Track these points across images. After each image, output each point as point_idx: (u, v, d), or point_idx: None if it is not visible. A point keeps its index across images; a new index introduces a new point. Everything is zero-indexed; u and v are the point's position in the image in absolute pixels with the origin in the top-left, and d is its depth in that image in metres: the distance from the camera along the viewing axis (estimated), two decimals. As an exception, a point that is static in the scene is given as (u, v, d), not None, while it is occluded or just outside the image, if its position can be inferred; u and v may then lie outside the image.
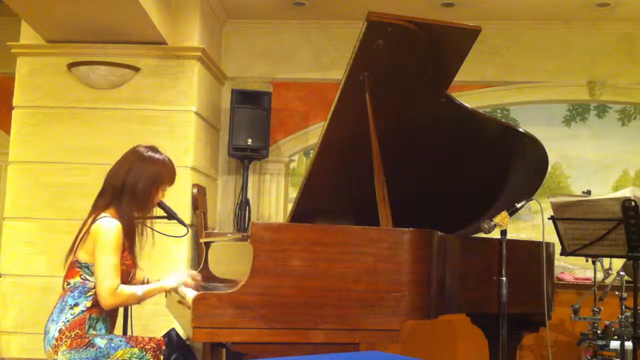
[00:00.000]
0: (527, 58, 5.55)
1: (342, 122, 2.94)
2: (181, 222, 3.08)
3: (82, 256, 2.67)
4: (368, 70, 2.81)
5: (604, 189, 5.20)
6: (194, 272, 3.11)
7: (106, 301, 2.60)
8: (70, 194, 4.80)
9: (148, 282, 2.99)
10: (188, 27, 4.98)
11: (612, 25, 5.46)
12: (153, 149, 2.84)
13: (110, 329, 2.73)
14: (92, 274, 2.65)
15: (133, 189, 2.72)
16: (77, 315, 2.60)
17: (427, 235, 2.57)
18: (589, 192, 4.59)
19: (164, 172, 2.82)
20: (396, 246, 2.50)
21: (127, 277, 2.74)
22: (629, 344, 3.72)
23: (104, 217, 2.66)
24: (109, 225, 2.63)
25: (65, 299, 2.64)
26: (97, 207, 2.74)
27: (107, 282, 2.59)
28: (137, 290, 2.69)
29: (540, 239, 3.14)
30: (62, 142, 4.91)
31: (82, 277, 2.66)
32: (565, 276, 5.02)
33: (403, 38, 2.72)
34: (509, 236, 2.90)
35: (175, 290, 2.90)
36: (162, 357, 2.62)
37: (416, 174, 3.27)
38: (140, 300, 2.70)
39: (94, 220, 2.67)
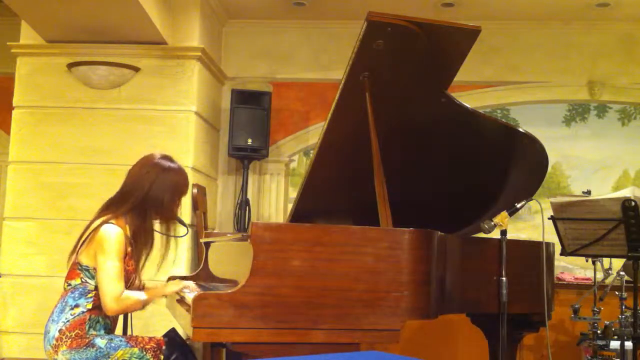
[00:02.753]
0: (527, 58, 5.55)
1: (342, 122, 2.94)
2: (181, 222, 3.08)
3: (84, 259, 2.68)
4: (368, 70, 2.81)
5: (604, 189, 5.19)
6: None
7: (111, 307, 2.62)
8: (70, 194, 4.80)
9: (144, 287, 3.00)
10: (188, 27, 4.98)
11: (612, 25, 5.46)
12: (169, 158, 2.88)
13: (110, 330, 2.73)
14: (92, 276, 2.66)
15: (159, 200, 2.77)
16: (78, 315, 2.60)
17: (427, 235, 2.57)
18: (589, 192, 4.59)
19: (183, 182, 2.87)
20: (396, 246, 2.50)
21: (126, 282, 2.74)
22: (629, 344, 3.72)
23: (110, 223, 2.67)
24: (112, 232, 2.64)
25: (65, 300, 2.65)
26: (109, 213, 2.74)
27: (111, 289, 2.60)
28: (141, 295, 2.71)
29: (540, 239, 3.14)
30: (62, 142, 4.91)
31: (82, 279, 2.67)
32: (565, 276, 5.02)
33: (403, 38, 2.72)
34: (509, 236, 2.90)
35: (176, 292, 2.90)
36: (162, 357, 2.62)
37: (416, 174, 3.27)
38: (144, 305, 2.73)
39: (100, 225, 2.67)
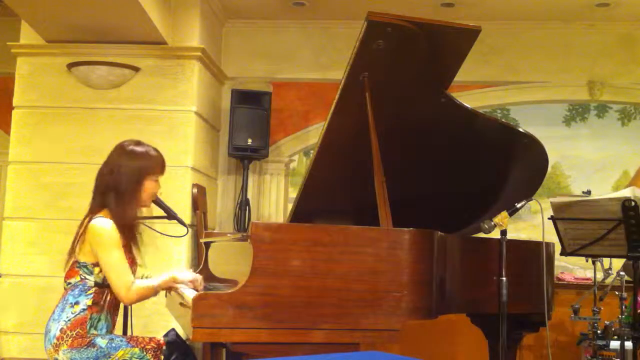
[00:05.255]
0: (527, 58, 5.55)
1: (342, 122, 2.94)
2: (181, 222, 3.08)
3: (81, 256, 2.68)
4: (368, 70, 2.81)
5: (604, 189, 5.19)
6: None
7: (126, 297, 2.65)
8: (70, 194, 4.80)
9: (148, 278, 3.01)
10: (188, 27, 4.98)
11: (612, 25, 5.46)
12: (136, 142, 2.83)
13: (111, 329, 2.73)
14: (90, 272, 2.66)
15: (117, 186, 2.71)
16: (78, 314, 2.61)
17: (427, 235, 2.57)
18: (589, 192, 4.59)
19: (149, 164, 2.79)
20: (396, 246, 2.50)
21: None
22: (629, 344, 3.72)
23: (98, 217, 2.67)
24: (104, 225, 2.64)
25: (66, 298, 2.66)
26: (92, 209, 2.75)
27: (121, 281, 2.62)
28: (153, 282, 2.73)
29: (540, 239, 3.13)
30: (62, 142, 4.91)
31: (81, 276, 2.67)
32: (565, 276, 5.02)
33: (403, 38, 2.72)
34: (509, 236, 2.90)
35: (177, 289, 2.90)
36: (162, 357, 2.62)
37: (416, 174, 3.27)
38: (156, 291, 2.74)
39: (89, 221, 2.68)
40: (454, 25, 2.84)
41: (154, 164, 2.82)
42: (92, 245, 2.64)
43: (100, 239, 2.62)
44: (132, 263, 2.77)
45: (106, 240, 2.62)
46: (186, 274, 2.88)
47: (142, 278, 3.01)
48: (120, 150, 2.80)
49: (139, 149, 2.80)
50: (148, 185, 2.80)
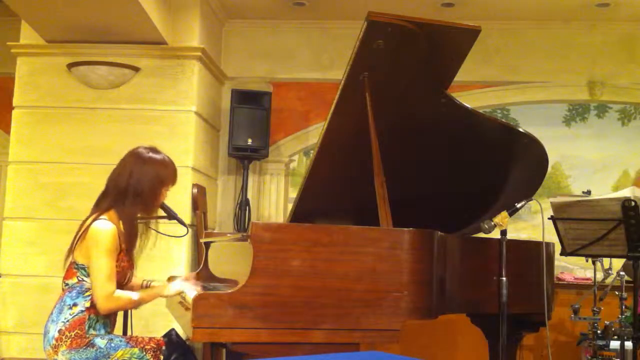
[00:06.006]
0: (527, 58, 5.55)
1: (342, 122, 2.94)
2: (181, 222, 3.08)
3: (79, 258, 2.68)
4: (368, 70, 2.81)
5: (604, 189, 5.19)
6: (192, 279, 3.08)
7: (103, 306, 2.62)
8: (70, 194, 4.80)
9: (148, 286, 2.99)
10: (188, 27, 4.98)
11: (612, 25, 5.46)
12: (153, 149, 2.84)
13: (110, 329, 2.73)
14: (88, 275, 2.66)
15: (138, 191, 2.72)
16: (77, 315, 2.60)
17: (427, 235, 2.57)
18: (589, 192, 4.59)
19: (166, 172, 2.82)
20: (396, 246, 2.50)
21: (123, 278, 2.74)
22: (629, 344, 3.72)
23: (101, 219, 2.67)
24: (104, 228, 2.63)
25: (64, 299, 2.65)
26: (98, 209, 2.74)
27: (102, 288, 2.60)
28: (133, 295, 2.70)
29: (540, 239, 3.14)
30: (62, 142, 4.91)
31: (79, 277, 2.67)
32: (565, 276, 5.02)
33: (403, 38, 2.72)
34: (509, 236, 2.90)
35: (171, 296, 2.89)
36: (162, 357, 2.62)
37: (416, 173, 3.27)
38: (136, 305, 2.72)
39: (92, 221, 2.67)
40: (454, 25, 2.84)
41: (172, 173, 2.85)
42: (88, 246, 2.63)
43: (96, 241, 2.61)
44: (130, 266, 2.77)
45: (101, 244, 2.61)
46: (172, 288, 2.79)
47: (143, 283, 3.01)
48: (139, 156, 2.79)
49: (157, 156, 2.82)
50: (163, 193, 2.82)
